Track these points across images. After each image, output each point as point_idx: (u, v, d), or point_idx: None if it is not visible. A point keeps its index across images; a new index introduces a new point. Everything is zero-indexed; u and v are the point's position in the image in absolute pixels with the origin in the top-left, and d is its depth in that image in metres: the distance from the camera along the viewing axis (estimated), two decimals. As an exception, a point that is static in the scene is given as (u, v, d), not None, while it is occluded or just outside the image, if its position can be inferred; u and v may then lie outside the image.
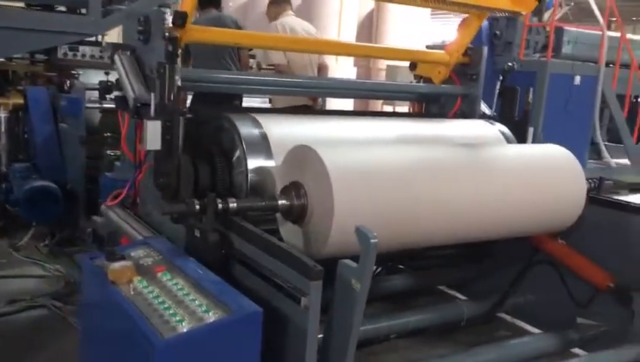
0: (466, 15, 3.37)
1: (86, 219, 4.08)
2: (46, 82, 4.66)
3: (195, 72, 2.61)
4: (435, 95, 3.56)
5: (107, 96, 4.20)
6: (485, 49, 3.49)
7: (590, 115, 7.15)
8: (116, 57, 2.75)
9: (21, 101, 4.41)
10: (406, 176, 2.24)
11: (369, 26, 12.15)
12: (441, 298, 3.51)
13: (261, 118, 2.54)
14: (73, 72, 4.23)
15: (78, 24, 4.52)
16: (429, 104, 3.68)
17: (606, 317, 2.82)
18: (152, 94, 2.38)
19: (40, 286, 3.52)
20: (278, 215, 2.26)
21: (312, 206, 2.13)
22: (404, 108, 8.45)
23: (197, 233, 2.06)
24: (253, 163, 2.39)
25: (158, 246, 2.10)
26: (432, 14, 12.45)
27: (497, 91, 3.40)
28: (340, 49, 3.40)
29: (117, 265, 1.85)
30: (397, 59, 3.55)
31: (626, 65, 7.49)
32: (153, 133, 2.35)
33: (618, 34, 7.50)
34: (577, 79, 6.93)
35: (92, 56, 4.80)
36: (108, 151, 3.29)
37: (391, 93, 3.46)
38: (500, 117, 3.40)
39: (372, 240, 1.64)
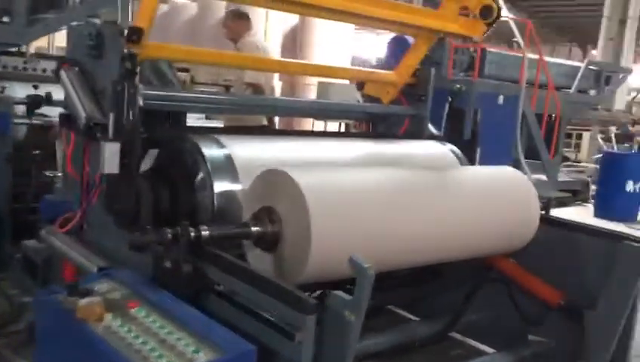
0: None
1: (12, 243, 3.79)
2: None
3: (153, 90, 2.47)
4: (384, 115, 3.59)
5: (36, 110, 4.01)
6: (433, 70, 3.56)
7: (512, 132, 7.46)
8: (62, 73, 2.57)
9: None
10: (379, 199, 2.21)
11: (293, 38, 12.19)
12: (392, 318, 3.50)
13: (223, 139, 2.45)
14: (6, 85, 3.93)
15: (1, 33, 4.23)
16: (377, 123, 3.70)
17: (557, 334, 2.90)
18: (111, 115, 2.24)
19: (-35, 318, 3.22)
20: (246, 241, 2.18)
21: (286, 232, 2.06)
22: (335, 125, 8.54)
23: (167, 263, 1.94)
24: (219, 186, 2.29)
25: (122, 278, 1.96)
26: (356, 27, 12.65)
27: (446, 112, 3.47)
28: (299, 68, 3.35)
29: (85, 301, 1.71)
30: (348, 78, 3.54)
31: (543, 86, 7.90)
32: (111, 156, 2.21)
33: (536, 56, 7.90)
34: (501, 98, 7.23)
35: (15, 68, 4.49)
36: (47, 172, 3.07)
37: (342, 113, 3.45)
38: (448, 137, 3.46)
39: (369, 271, 1.60)
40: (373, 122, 3.72)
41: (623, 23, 15.70)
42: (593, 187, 9.32)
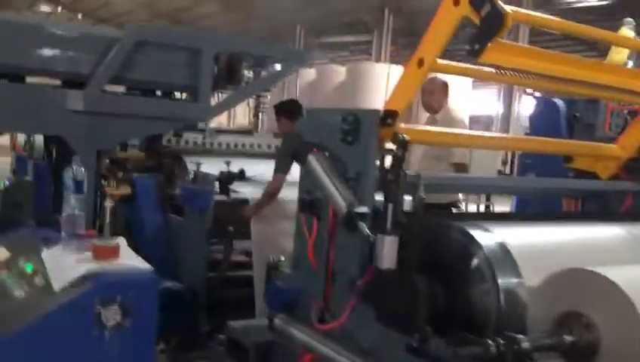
0: None
1: (208, 320, 3.75)
2: (153, 170, 4.41)
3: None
4: (601, 192, 3.31)
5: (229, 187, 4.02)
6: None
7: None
8: (311, 158, 2.49)
9: (129, 191, 4.14)
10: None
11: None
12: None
13: (490, 226, 2.27)
14: (192, 160, 3.98)
15: (188, 110, 4.33)
16: (589, 201, 3.43)
17: None
18: (389, 205, 2.10)
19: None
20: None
21: (606, 343, 1.82)
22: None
23: (484, 377, 1.73)
24: (503, 282, 2.09)
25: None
26: (474, 83, 12.41)
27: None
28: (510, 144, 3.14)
29: None
30: (560, 152, 3.32)
31: None
32: (390, 250, 2.07)
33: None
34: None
35: (195, 143, 4.58)
36: (271, 256, 2.99)
37: (560, 191, 3.22)
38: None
39: None
40: (583, 200, 3.46)
41: None
42: None
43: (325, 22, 18.58)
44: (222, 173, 3.89)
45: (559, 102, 6.77)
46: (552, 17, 2.36)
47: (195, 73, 4.28)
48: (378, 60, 15.13)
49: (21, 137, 6.82)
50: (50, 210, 5.14)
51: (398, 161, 2.17)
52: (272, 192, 3.83)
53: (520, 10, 2.03)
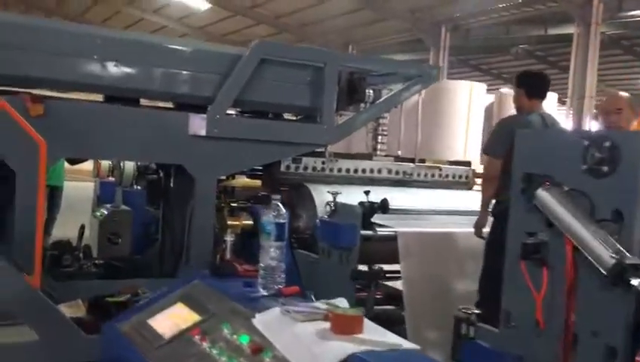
0: None
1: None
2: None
3: None
4: None
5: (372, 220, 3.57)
6: None
7: None
8: (544, 194, 2.03)
9: (250, 222, 3.73)
10: None
11: (489, 118, 11.60)
12: None
13: None
14: (317, 189, 3.55)
15: (312, 134, 3.92)
16: None
17: None
18: None
19: None
20: None
21: None
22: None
23: None
24: None
25: None
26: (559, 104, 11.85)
27: None
28: None
29: None
30: None
31: None
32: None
33: None
34: None
35: (314, 168, 4.16)
36: (462, 308, 2.51)
37: None
38: None
39: None
40: None
41: None
42: None
43: (378, 41, 18.23)
44: (362, 203, 3.43)
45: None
46: None
47: (318, 93, 3.89)
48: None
49: (105, 162, 6.51)
50: (148, 243, 4.78)
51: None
52: (491, 177, 3.56)
53: None
